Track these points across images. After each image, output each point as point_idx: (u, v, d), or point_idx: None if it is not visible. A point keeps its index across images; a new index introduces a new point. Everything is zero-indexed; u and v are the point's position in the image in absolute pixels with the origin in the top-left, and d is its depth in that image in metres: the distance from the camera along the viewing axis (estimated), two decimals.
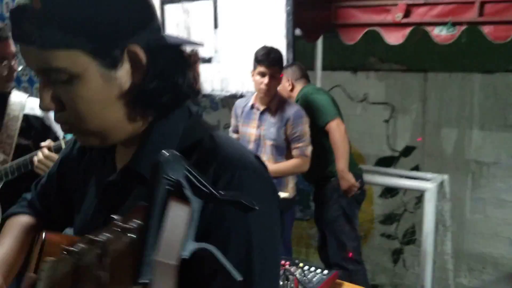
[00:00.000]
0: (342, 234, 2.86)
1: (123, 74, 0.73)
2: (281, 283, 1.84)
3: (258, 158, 0.79)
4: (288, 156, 2.69)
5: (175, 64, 0.76)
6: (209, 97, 3.35)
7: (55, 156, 1.55)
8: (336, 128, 2.80)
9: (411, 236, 3.76)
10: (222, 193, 0.54)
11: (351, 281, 2.74)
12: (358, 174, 2.91)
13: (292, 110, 2.63)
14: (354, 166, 2.93)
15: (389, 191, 3.84)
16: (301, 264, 1.98)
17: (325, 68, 3.56)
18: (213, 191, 0.53)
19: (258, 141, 2.69)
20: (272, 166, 2.64)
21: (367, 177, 3.29)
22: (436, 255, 3.20)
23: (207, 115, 4.39)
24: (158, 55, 0.74)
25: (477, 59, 3.49)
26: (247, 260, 0.71)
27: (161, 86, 0.75)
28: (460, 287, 3.57)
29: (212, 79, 2.99)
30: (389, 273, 3.86)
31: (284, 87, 2.92)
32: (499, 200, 3.56)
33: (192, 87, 0.78)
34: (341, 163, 2.79)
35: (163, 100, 0.75)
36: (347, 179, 2.79)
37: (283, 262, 1.97)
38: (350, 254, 2.85)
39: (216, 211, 0.69)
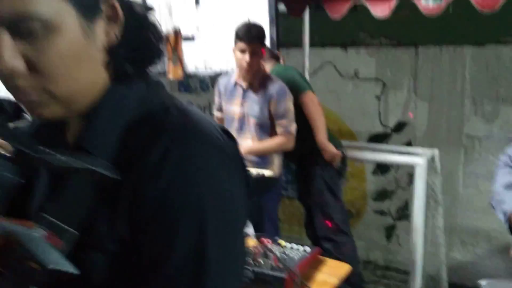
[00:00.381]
0: (327, 207, 2.84)
1: (100, 29, 0.65)
2: (261, 261, 1.77)
3: (227, 132, 0.71)
4: (273, 134, 2.62)
5: (145, 28, 0.69)
6: (194, 77, 3.25)
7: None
8: (309, 101, 2.76)
9: (404, 212, 3.70)
10: (63, 157, 0.45)
11: (340, 253, 2.71)
12: (337, 144, 2.88)
13: (276, 86, 2.55)
14: (331, 137, 2.89)
15: (381, 168, 3.76)
16: (282, 242, 1.92)
17: (313, 45, 3.46)
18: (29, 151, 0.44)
19: (242, 119, 2.61)
20: (256, 144, 2.58)
21: (359, 154, 3.22)
22: (427, 231, 3.14)
23: (197, 97, 4.31)
24: (131, 15, 0.67)
25: (467, 31, 3.38)
26: (198, 247, 0.63)
27: (131, 48, 0.67)
28: (453, 261, 3.52)
29: (195, 58, 2.89)
30: (382, 250, 3.81)
31: None
32: (491, 173, 3.45)
33: (157, 54, 0.72)
34: (320, 134, 2.76)
35: (129, 64, 0.68)
36: (329, 149, 2.77)
37: (264, 239, 1.91)
38: (336, 226, 2.81)
39: (163, 192, 0.62)
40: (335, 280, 1.81)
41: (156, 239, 0.63)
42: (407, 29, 3.55)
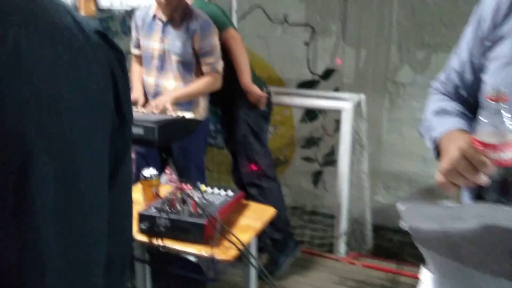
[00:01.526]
0: (252, 152, 2.63)
1: None
2: (179, 208, 1.54)
3: (104, 36, 0.53)
4: (197, 72, 2.34)
5: None
6: (114, 18, 2.85)
7: None
8: (231, 38, 2.46)
9: (330, 158, 3.59)
10: None
11: (265, 198, 2.55)
12: (261, 86, 2.64)
13: (200, 21, 2.26)
14: (256, 78, 2.65)
15: (309, 115, 3.61)
16: (203, 187, 1.70)
17: None
18: None
19: (163, 56, 2.31)
20: (181, 90, 2.29)
21: (287, 100, 3.03)
22: (353, 175, 3.05)
23: (118, 41, 3.91)
24: None
25: None
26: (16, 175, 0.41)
27: None
28: (377, 204, 3.48)
29: None
30: (309, 195, 3.71)
31: None
32: (414, 119, 3.42)
33: None
34: (244, 76, 2.49)
35: None
36: (254, 91, 2.52)
37: (182, 185, 1.67)
38: (261, 170, 2.63)
39: None
40: (258, 224, 1.62)
41: None
42: None
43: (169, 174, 2.67)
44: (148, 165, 2.42)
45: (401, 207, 0.88)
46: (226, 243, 1.49)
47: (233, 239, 1.49)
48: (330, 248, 3.08)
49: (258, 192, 2.59)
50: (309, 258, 2.91)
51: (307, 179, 3.73)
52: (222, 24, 2.45)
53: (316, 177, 3.70)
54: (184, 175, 2.37)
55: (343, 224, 2.94)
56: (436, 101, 1.14)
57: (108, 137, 0.52)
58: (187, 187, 1.68)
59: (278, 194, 2.71)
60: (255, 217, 1.65)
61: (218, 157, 3.73)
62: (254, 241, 1.63)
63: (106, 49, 0.53)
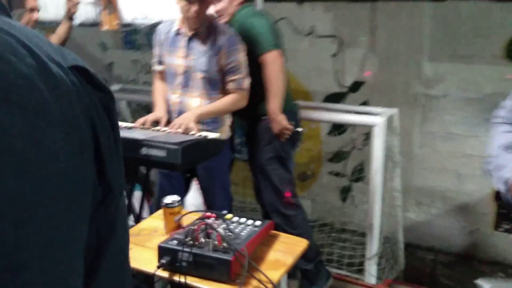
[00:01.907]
0: (276, 178, 2.38)
1: None
2: (202, 240, 1.38)
3: (83, 71, 0.40)
4: (222, 89, 2.18)
5: None
6: (140, 31, 2.71)
7: None
8: (271, 62, 2.21)
9: (360, 174, 3.39)
10: None
11: (292, 228, 2.34)
12: (293, 112, 2.42)
13: (226, 36, 2.10)
14: (290, 103, 2.41)
15: (337, 128, 3.41)
16: (228, 216, 1.53)
17: None
18: None
19: (187, 73, 2.15)
20: (206, 107, 2.14)
21: (315, 115, 2.85)
22: (384, 192, 2.84)
23: (144, 54, 3.80)
24: None
25: None
26: None
27: None
28: (409, 221, 3.25)
29: (132, 6, 2.39)
30: (338, 212, 3.51)
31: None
32: (447, 133, 3.20)
33: None
34: (273, 103, 2.25)
35: None
36: (278, 121, 2.26)
37: (206, 214, 1.51)
38: (286, 199, 2.40)
39: None
40: (290, 259, 1.44)
41: None
42: None
43: (197, 184, 2.45)
44: (171, 184, 2.28)
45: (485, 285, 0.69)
46: (254, 282, 1.31)
47: (262, 277, 1.32)
48: (360, 267, 2.88)
49: (283, 221, 2.36)
50: (340, 286, 2.67)
51: (335, 194, 3.53)
52: (270, 44, 2.23)
53: (345, 193, 3.50)
54: (209, 195, 2.21)
55: (375, 243, 2.73)
56: (503, 134, 0.94)
57: (87, 219, 0.37)
58: (211, 216, 1.51)
59: (304, 222, 2.47)
60: (286, 250, 1.47)
61: (243, 171, 3.57)
62: (285, 279, 1.45)
63: (85, 91, 0.38)
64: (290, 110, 2.35)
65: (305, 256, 2.33)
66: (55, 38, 2.79)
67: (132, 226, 1.82)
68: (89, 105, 0.38)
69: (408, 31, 3.18)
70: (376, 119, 2.60)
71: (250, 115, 2.38)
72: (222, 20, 2.29)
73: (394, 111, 2.80)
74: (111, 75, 4.22)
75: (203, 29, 2.09)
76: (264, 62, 2.22)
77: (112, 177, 0.40)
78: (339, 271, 2.89)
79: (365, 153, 3.28)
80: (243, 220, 1.53)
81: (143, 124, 2.07)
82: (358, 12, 3.26)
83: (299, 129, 2.43)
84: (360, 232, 3.19)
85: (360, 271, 2.85)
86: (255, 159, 2.44)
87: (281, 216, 2.37)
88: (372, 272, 2.72)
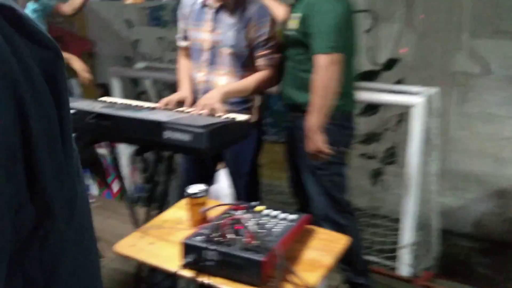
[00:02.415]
0: (329, 183, 2.00)
1: None
2: (233, 236, 1.19)
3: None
4: (253, 67, 1.95)
5: None
6: (166, 6, 2.45)
7: None
8: (323, 68, 1.76)
9: (392, 157, 3.14)
10: None
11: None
12: (346, 115, 1.96)
13: (255, 6, 1.86)
14: (346, 99, 1.94)
15: (369, 109, 3.16)
16: (259, 208, 1.33)
17: None
18: None
19: (214, 49, 1.93)
20: (232, 85, 1.91)
21: None
22: (419, 176, 2.60)
23: (170, 32, 3.59)
24: None
25: None
26: None
27: None
28: (444, 207, 3.01)
29: None
30: (367, 195, 3.28)
31: None
32: (487, 114, 2.92)
33: None
34: (314, 117, 1.81)
35: None
36: (314, 141, 1.83)
37: (235, 206, 1.31)
38: (339, 204, 2.05)
39: None
40: (329, 259, 1.24)
41: None
42: None
43: (224, 168, 2.21)
44: (195, 169, 2.08)
45: None
46: (289, 286, 1.12)
47: (298, 280, 1.12)
48: (392, 254, 2.67)
49: (332, 228, 1.94)
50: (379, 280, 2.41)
51: (366, 177, 3.29)
52: (323, 42, 1.77)
53: (375, 176, 3.27)
54: (237, 181, 2.02)
55: (410, 229, 2.50)
56: None
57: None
58: (240, 208, 1.32)
59: (357, 232, 2.12)
60: (324, 248, 1.27)
61: (269, 152, 3.36)
62: (324, 283, 1.26)
63: (11, 47, 0.23)
64: (342, 112, 1.93)
65: (355, 268, 2.10)
66: (67, 6, 2.63)
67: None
68: (13, 72, 0.21)
69: (447, 5, 2.88)
70: (414, 99, 2.34)
71: (293, 103, 1.99)
72: None
73: (434, 90, 2.53)
74: (136, 53, 4.03)
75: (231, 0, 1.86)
76: (315, 64, 1.80)
77: (51, 190, 0.21)
78: (370, 258, 2.68)
79: (398, 134, 3.04)
80: (275, 213, 1.33)
81: (167, 104, 1.87)
82: None
83: (342, 149, 1.98)
84: (391, 218, 2.97)
85: (392, 258, 2.64)
86: (301, 158, 2.01)
87: (332, 222, 2.00)
88: (406, 261, 2.50)
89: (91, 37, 4.20)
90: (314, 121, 1.81)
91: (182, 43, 2.07)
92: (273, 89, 2.08)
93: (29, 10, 2.46)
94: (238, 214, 1.26)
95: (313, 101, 1.81)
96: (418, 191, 2.49)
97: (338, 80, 1.81)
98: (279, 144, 2.96)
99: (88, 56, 4.18)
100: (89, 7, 3.79)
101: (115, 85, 3.38)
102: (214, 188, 1.98)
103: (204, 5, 1.92)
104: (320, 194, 2.02)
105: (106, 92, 3.64)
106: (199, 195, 1.38)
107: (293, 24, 1.88)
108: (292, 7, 1.95)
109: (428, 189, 2.73)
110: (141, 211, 1.90)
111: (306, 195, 2.10)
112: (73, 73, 3.33)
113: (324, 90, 1.79)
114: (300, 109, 1.92)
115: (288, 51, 1.95)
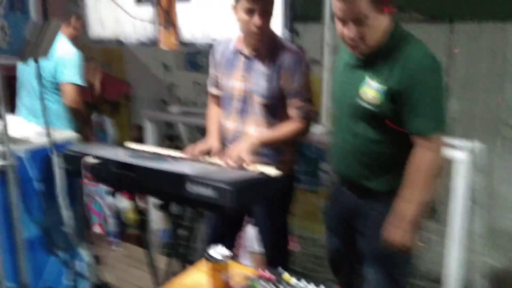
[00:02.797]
0: (392, 268, 1.65)
1: None
2: None
3: None
4: (283, 117, 1.82)
5: None
6: (192, 46, 2.40)
7: None
8: (436, 154, 1.46)
9: (433, 213, 2.90)
10: None
11: None
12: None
13: (288, 53, 1.74)
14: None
15: None
16: (286, 276, 1.16)
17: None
18: None
19: (245, 98, 1.82)
20: (265, 135, 1.78)
21: None
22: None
23: (204, 75, 3.54)
24: None
25: (511, 6, 2.55)
26: None
27: None
28: (487, 267, 2.73)
29: (191, 23, 2.11)
30: None
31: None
32: None
33: None
34: (411, 209, 1.49)
35: None
36: (405, 233, 1.49)
37: (263, 273, 1.15)
38: (396, 283, 1.69)
39: None
40: None
41: None
42: (441, 2, 2.76)
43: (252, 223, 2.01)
44: (220, 222, 1.93)
45: None
46: None
47: None
48: None
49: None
50: None
51: None
52: (430, 121, 1.47)
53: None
54: (265, 237, 1.86)
55: None
56: None
57: None
58: (266, 276, 1.16)
59: None
60: None
61: (300, 202, 3.18)
62: None
63: None
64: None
65: None
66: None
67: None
68: None
69: (490, 54, 2.72)
70: (458, 154, 2.15)
71: (371, 190, 1.63)
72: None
73: (476, 144, 2.33)
74: (172, 96, 4.01)
75: (264, 47, 1.76)
76: (415, 146, 1.48)
77: None
78: None
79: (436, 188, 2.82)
80: (303, 284, 1.16)
81: (192, 154, 1.75)
82: (434, 33, 2.83)
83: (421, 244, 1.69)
84: (430, 278, 2.71)
85: None
86: (364, 241, 1.70)
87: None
88: None
89: (129, 79, 4.22)
90: (412, 214, 1.48)
91: (213, 91, 1.97)
92: (307, 137, 1.95)
93: None
94: (263, 284, 1.10)
95: (414, 191, 1.48)
96: (462, 251, 2.25)
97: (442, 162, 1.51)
98: (312, 193, 2.81)
99: (125, 98, 4.19)
100: (128, 49, 3.82)
101: (148, 127, 3.33)
102: (242, 236, 1.81)
103: (236, 52, 1.83)
104: (378, 283, 1.68)
105: (140, 133, 3.60)
106: (222, 260, 1.23)
107: (371, 96, 1.49)
108: (357, 67, 1.53)
109: (472, 249, 2.49)
110: (163, 259, 1.76)
111: (351, 272, 1.83)
112: (108, 113, 3.32)
113: (432, 179, 1.48)
114: (370, 195, 1.63)
115: (352, 121, 1.57)
